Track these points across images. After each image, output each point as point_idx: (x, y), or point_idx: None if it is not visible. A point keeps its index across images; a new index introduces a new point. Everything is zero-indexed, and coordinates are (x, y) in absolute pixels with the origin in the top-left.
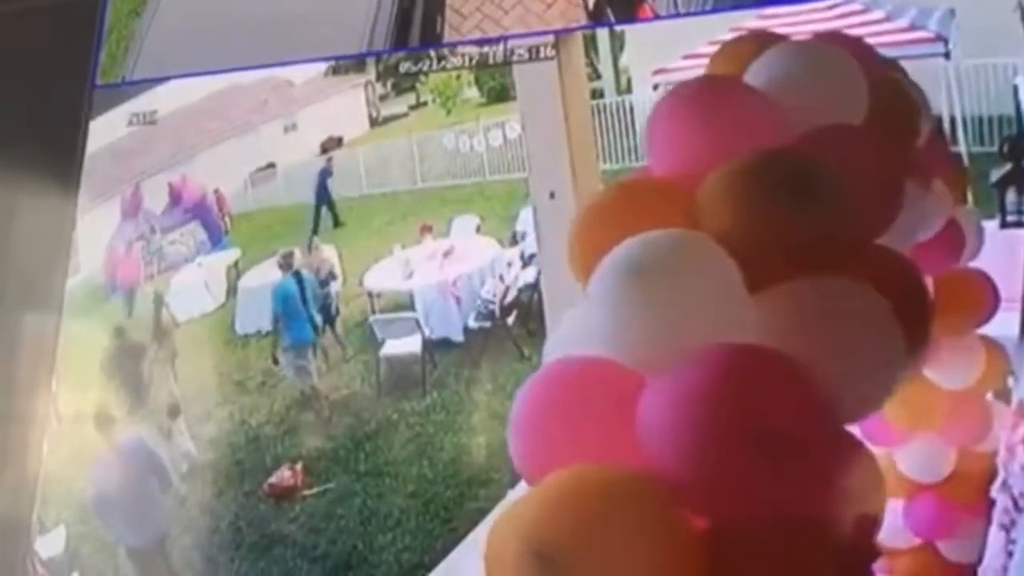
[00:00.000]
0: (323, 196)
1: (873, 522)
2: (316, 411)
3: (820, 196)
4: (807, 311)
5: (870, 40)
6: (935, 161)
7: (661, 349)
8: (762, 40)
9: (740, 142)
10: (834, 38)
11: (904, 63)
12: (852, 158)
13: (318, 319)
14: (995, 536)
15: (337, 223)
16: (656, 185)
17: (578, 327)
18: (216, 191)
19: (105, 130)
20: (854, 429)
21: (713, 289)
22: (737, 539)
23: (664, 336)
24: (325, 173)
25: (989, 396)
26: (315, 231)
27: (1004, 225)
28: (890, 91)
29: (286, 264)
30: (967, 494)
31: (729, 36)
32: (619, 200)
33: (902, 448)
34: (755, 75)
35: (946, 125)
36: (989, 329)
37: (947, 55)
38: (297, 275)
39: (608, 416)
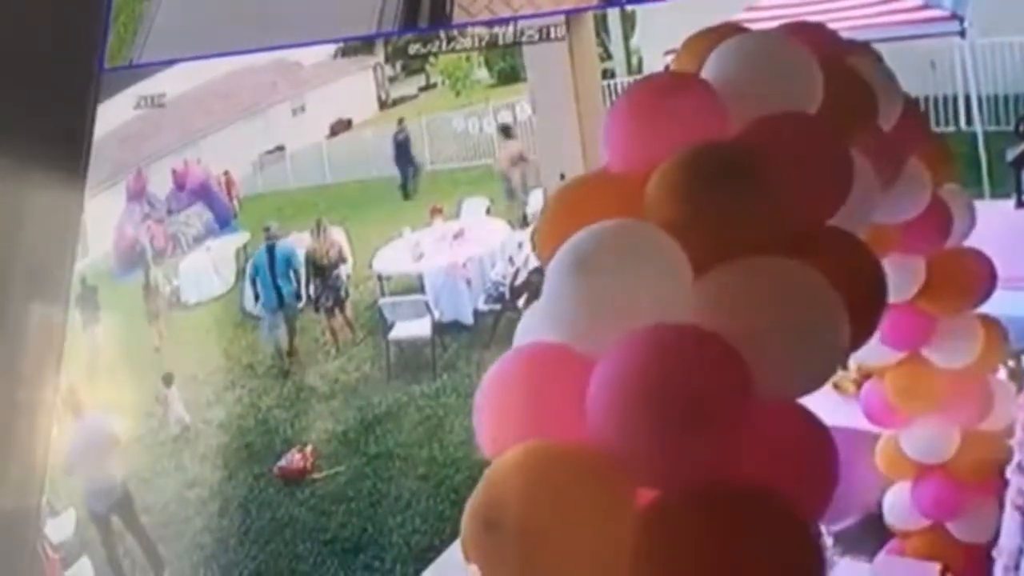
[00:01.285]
0: (405, 163)
1: (821, 490)
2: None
3: (753, 182)
4: (743, 290)
5: (885, 19)
6: (909, 141)
7: (610, 334)
8: (721, 34)
9: (689, 136)
10: (794, 27)
11: (918, 42)
12: (796, 144)
13: (287, 289)
14: (1010, 517)
15: (407, 196)
16: (610, 179)
17: (538, 316)
18: (225, 174)
19: (112, 114)
20: (852, 411)
21: (658, 275)
22: (674, 508)
23: (612, 322)
24: (404, 140)
25: (1002, 375)
26: (406, 196)
27: (1020, 204)
28: (845, 77)
29: (266, 236)
30: (975, 474)
31: (742, 15)
32: (576, 194)
33: (906, 430)
34: (709, 70)
35: (961, 104)
36: (1008, 309)
37: (962, 33)
38: (271, 247)
39: (560, 398)
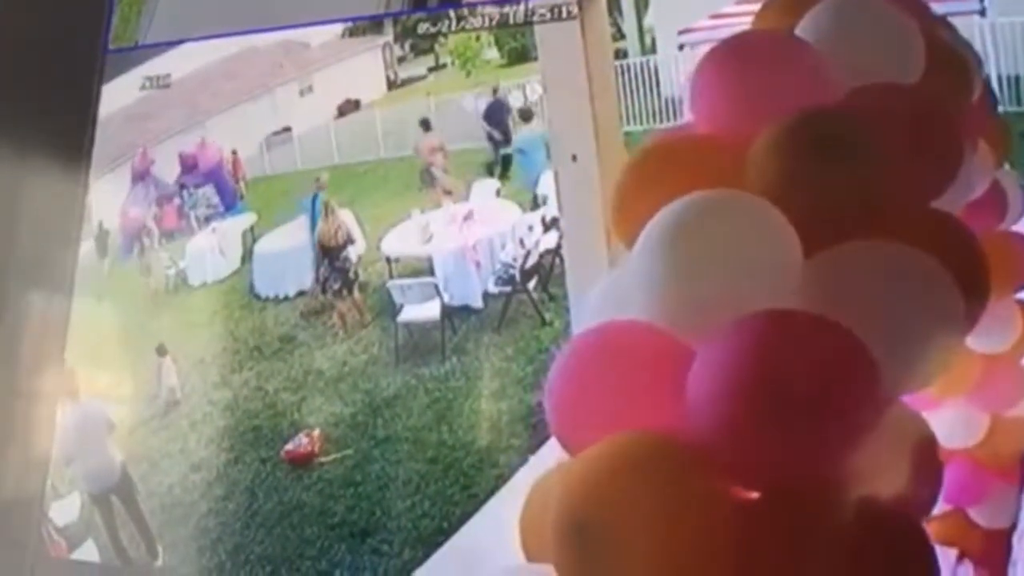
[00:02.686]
0: (502, 134)
1: (925, 495)
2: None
3: (858, 156)
4: (862, 276)
5: None
6: (982, 120)
7: (710, 316)
8: None
9: (791, 99)
10: None
11: None
12: (906, 117)
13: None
14: None
15: (505, 174)
16: (702, 143)
17: (621, 292)
18: (233, 155)
19: (117, 95)
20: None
21: (765, 253)
22: (781, 512)
23: (714, 303)
24: (502, 107)
25: None
26: (501, 174)
27: None
28: (945, 49)
29: (316, 186)
30: (999, 460)
31: None
32: (664, 159)
33: (933, 413)
34: (806, 29)
35: None
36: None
37: (982, 12)
38: (315, 198)
39: (653, 385)
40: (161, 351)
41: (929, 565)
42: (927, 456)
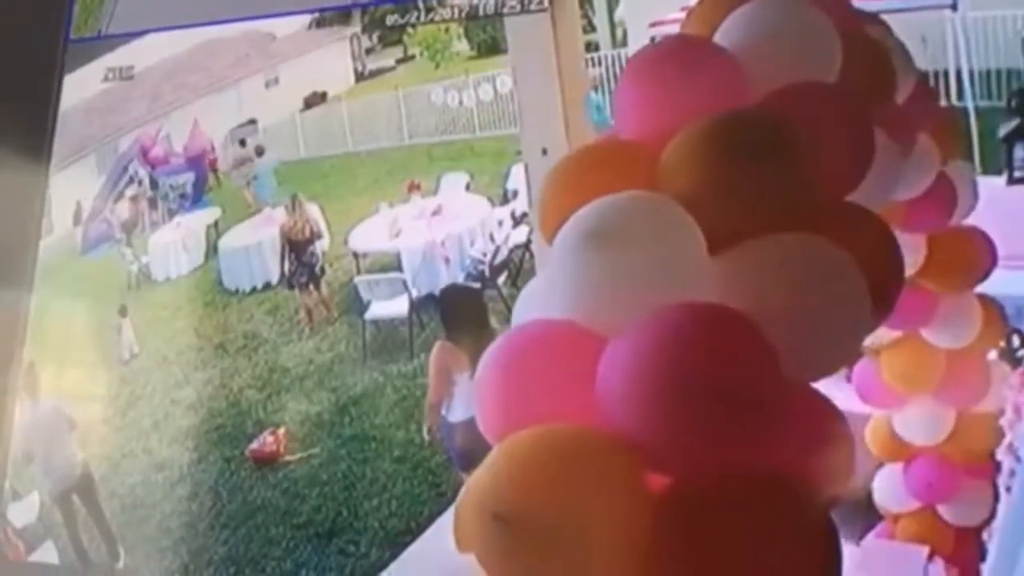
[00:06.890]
0: None
1: (840, 481)
2: None
3: (780, 154)
4: (766, 268)
5: None
6: (920, 116)
7: (622, 312)
8: None
9: (706, 103)
10: None
11: (910, 15)
12: (818, 115)
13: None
14: (1002, 499)
15: None
16: (622, 147)
17: (542, 292)
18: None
19: (79, 86)
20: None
21: (673, 251)
22: (694, 496)
23: (625, 299)
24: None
25: (993, 356)
26: None
27: (1012, 181)
28: (864, 47)
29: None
30: (968, 456)
31: None
32: (584, 163)
33: (899, 410)
34: (724, 34)
35: (952, 79)
36: (998, 288)
37: (954, 7)
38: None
39: (569, 379)
40: (122, 312)
41: (832, 554)
42: (837, 442)
